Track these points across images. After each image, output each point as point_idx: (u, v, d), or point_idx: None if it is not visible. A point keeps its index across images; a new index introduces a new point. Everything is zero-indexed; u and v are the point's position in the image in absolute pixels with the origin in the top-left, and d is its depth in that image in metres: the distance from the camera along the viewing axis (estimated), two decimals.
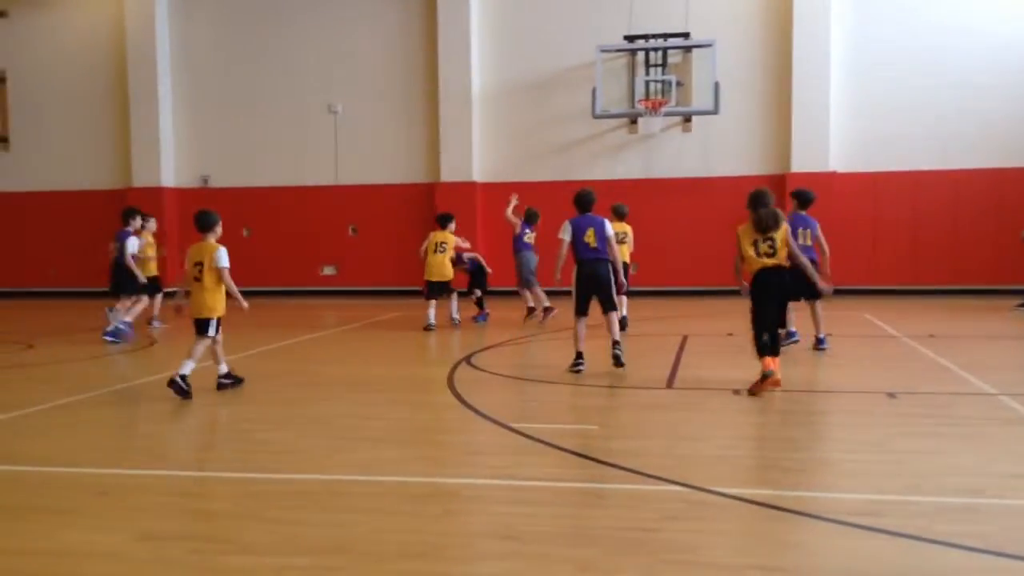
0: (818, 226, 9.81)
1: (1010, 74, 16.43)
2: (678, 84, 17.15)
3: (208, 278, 7.68)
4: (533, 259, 12.96)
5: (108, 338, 11.46)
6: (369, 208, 19.05)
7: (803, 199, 9.90)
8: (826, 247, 9.89)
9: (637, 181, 17.69)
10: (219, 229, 7.80)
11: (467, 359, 9.60)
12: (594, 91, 17.01)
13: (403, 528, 4.29)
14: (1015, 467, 5.27)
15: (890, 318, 13.00)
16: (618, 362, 8.67)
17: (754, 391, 7.40)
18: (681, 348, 10.21)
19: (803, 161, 17.08)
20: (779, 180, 17.15)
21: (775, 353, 7.45)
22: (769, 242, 7.53)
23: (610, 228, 8.73)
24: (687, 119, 17.67)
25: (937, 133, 16.74)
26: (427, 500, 4.76)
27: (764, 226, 7.52)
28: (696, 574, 3.68)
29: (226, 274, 7.69)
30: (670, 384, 8.07)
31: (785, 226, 7.63)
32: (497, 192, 18.30)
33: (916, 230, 16.95)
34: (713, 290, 15.54)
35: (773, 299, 7.55)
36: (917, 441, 5.95)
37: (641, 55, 17.56)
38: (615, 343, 8.76)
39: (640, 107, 16.96)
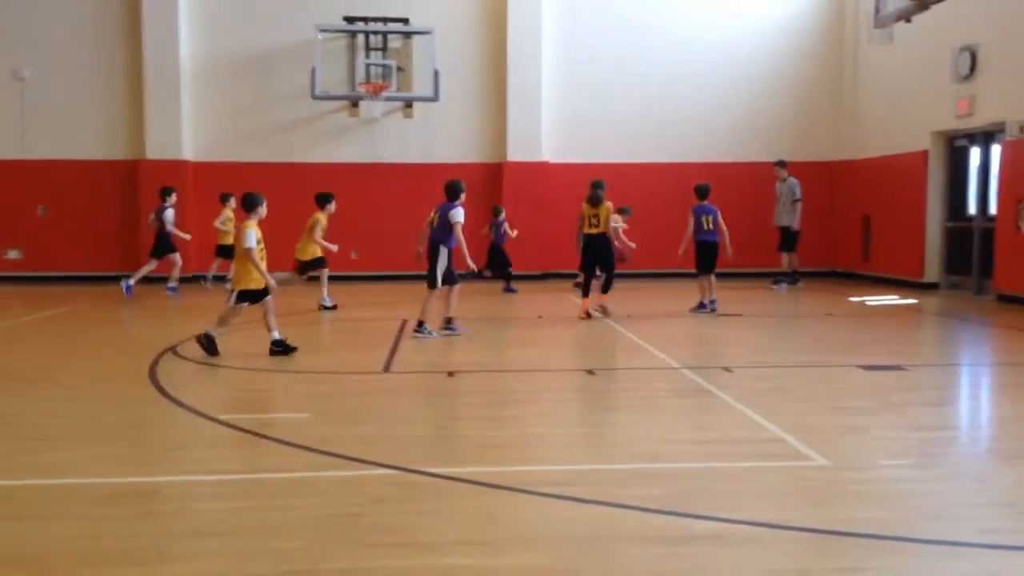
0: (718, 212, 11.90)
1: (702, 76, 18.10)
2: (399, 69, 17.20)
3: (242, 255, 8.56)
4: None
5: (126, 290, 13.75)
6: (62, 186, 17.30)
7: (701, 192, 12.07)
8: (725, 230, 11.92)
9: (359, 165, 17.57)
10: (262, 210, 8.69)
11: (172, 349, 9.07)
12: (313, 71, 16.64)
13: (90, 533, 3.99)
14: (691, 434, 5.88)
15: (593, 300, 13.89)
16: (450, 326, 9.95)
17: (582, 317, 11.18)
18: (400, 332, 10.32)
19: (518, 150, 17.81)
20: (496, 168, 17.80)
21: (587, 294, 11.39)
22: (595, 218, 11.05)
23: (458, 215, 9.64)
24: (408, 105, 17.77)
25: (633, 129, 18.10)
26: (120, 502, 4.45)
27: (590, 201, 11.05)
28: (399, 554, 3.76)
29: (251, 254, 8.39)
30: (387, 368, 8.14)
31: (607, 206, 11.02)
32: (213, 171, 17.37)
33: None
34: None
35: (591, 257, 11.27)
36: (610, 414, 6.47)
37: (362, 38, 17.40)
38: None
39: (361, 90, 16.83)
